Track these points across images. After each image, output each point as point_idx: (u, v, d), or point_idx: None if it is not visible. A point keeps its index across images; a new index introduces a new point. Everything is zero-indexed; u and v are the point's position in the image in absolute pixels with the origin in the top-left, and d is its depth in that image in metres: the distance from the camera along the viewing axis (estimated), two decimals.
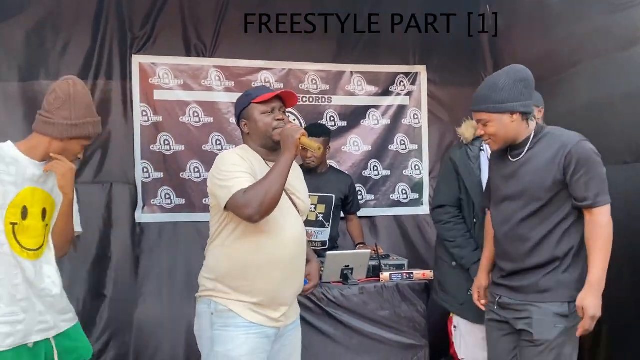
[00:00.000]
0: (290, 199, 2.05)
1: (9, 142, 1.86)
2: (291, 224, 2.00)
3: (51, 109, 1.83)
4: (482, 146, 2.62)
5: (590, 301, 1.89)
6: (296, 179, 2.11)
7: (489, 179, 2.28)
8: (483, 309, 2.31)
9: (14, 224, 1.80)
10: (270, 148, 2.04)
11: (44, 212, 1.89)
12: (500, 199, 2.13)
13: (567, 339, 1.98)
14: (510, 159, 2.10)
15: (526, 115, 2.03)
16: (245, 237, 1.93)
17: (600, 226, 1.92)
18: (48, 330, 1.87)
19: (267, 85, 3.65)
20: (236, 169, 1.91)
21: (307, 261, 2.17)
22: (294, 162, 2.00)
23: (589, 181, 1.92)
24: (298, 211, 2.07)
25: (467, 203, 2.59)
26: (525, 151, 2.05)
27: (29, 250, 1.85)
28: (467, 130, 2.67)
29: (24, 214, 1.83)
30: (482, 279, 2.31)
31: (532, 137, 2.05)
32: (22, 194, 1.82)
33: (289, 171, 1.89)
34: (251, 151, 2.05)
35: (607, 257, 1.92)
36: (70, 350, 1.94)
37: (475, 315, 2.57)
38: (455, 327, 2.78)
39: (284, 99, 2.07)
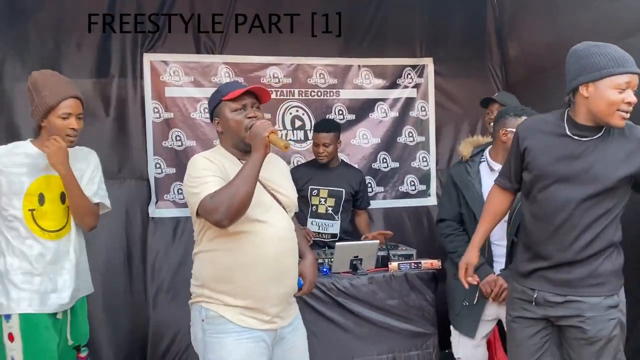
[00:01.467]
0: (273, 195, 1.95)
1: (28, 140, 2.14)
2: (274, 222, 1.89)
3: (30, 104, 2.08)
4: (482, 158, 2.63)
5: None
6: (278, 174, 2.02)
7: (528, 159, 2.04)
8: (466, 286, 2.21)
9: (32, 210, 2.07)
10: (243, 149, 1.92)
11: (62, 195, 2.12)
12: (553, 180, 1.94)
13: (621, 328, 1.90)
14: (574, 137, 1.92)
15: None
16: (226, 240, 1.84)
17: None
18: (63, 305, 2.11)
19: (276, 80, 3.71)
20: (205, 173, 1.81)
21: (301, 258, 2.07)
22: (277, 157, 1.95)
23: None
24: (283, 208, 1.96)
25: (469, 216, 2.58)
26: (600, 134, 1.89)
27: (50, 231, 2.10)
28: (465, 148, 2.72)
29: (41, 200, 2.08)
30: (472, 256, 2.18)
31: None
32: (36, 183, 2.07)
33: (259, 171, 1.79)
34: (224, 151, 1.95)
35: None
36: (77, 330, 2.19)
37: (466, 329, 2.59)
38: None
39: (258, 95, 1.94)
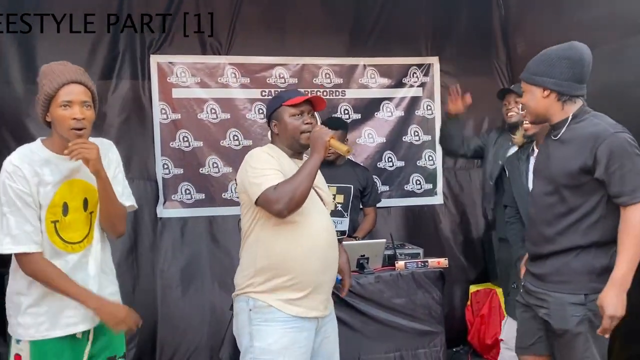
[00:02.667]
0: (317, 192, 2.11)
1: (38, 141, 1.86)
2: (320, 216, 2.08)
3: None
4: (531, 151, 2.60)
5: (610, 300, 1.79)
6: (319, 175, 2.17)
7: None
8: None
9: (55, 222, 1.81)
10: (297, 150, 2.12)
11: (85, 202, 1.88)
12: (535, 180, 2.07)
13: (591, 325, 1.89)
14: (552, 137, 2.01)
15: (563, 97, 1.92)
16: (279, 231, 1.99)
17: (632, 225, 1.80)
18: (75, 325, 1.84)
19: (282, 80, 3.72)
20: (267, 165, 1.98)
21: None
22: None
23: (624, 176, 1.81)
24: (324, 203, 2.14)
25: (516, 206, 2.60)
26: (561, 132, 1.94)
27: (73, 243, 1.86)
28: (519, 133, 2.71)
29: (65, 210, 1.83)
30: (524, 266, 2.23)
31: (570, 119, 1.93)
32: (60, 191, 1.82)
33: (317, 170, 1.97)
34: (279, 150, 2.11)
35: (635, 257, 1.81)
36: (103, 347, 1.92)
37: (511, 311, 2.63)
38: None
39: (313, 103, 2.13)
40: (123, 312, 1.89)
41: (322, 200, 2.13)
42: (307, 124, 2.08)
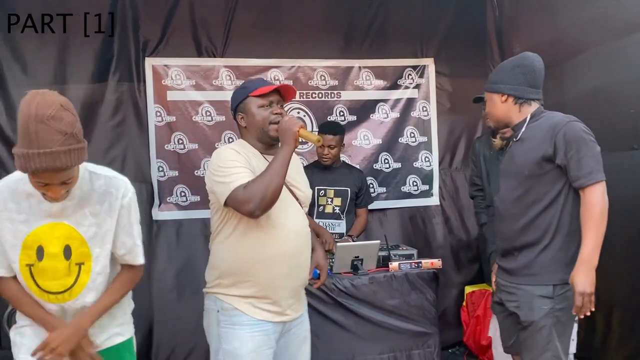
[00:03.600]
0: (290, 191, 2.01)
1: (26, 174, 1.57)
2: (292, 217, 1.97)
3: None
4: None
5: (580, 278, 1.89)
6: (295, 170, 2.06)
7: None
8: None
9: (30, 266, 1.64)
10: (267, 142, 1.99)
11: (66, 249, 1.65)
12: (501, 179, 2.20)
13: (556, 320, 2.00)
14: (513, 139, 2.16)
15: (519, 100, 2.09)
16: (247, 233, 1.91)
17: (592, 204, 1.92)
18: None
19: (277, 82, 3.72)
20: (234, 164, 1.87)
21: (312, 250, 2.13)
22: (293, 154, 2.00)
23: (581, 160, 1.94)
24: (299, 203, 2.04)
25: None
26: (521, 132, 2.10)
27: (51, 293, 1.67)
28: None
29: (40, 254, 1.64)
30: (496, 264, 2.33)
31: (528, 119, 2.10)
32: (35, 233, 1.62)
33: (288, 164, 1.86)
34: (248, 145, 2.00)
35: (598, 235, 1.91)
36: None
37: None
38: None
39: (283, 93, 2.02)
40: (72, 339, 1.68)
41: (296, 199, 2.03)
42: (276, 114, 1.96)
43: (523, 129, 2.10)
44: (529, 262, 2.05)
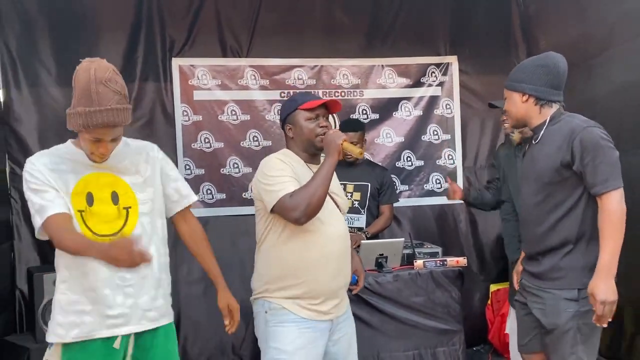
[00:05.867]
0: (332, 198, 2.11)
1: (68, 142, 1.81)
2: (335, 222, 2.08)
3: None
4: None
5: (599, 287, 1.87)
6: (334, 179, 2.16)
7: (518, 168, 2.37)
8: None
9: (81, 211, 1.74)
10: (312, 153, 2.12)
11: (113, 195, 1.78)
12: (522, 183, 2.19)
13: (582, 322, 1.97)
14: (533, 142, 2.13)
15: (540, 101, 2.05)
16: (293, 238, 2.01)
17: (609, 212, 1.90)
18: (119, 327, 1.73)
19: (300, 82, 3.76)
20: (281, 173, 1.99)
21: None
22: None
23: (597, 167, 1.92)
24: (339, 209, 2.15)
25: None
26: (540, 136, 2.07)
27: (103, 236, 1.74)
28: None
29: (90, 200, 1.75)
30: (521, 264, 2.32)
31: (547, 122, 2.06)
32: (84, 180, 1.74)
33: (332, 174, 1.97)
34: (293, 155, 2.11)
35: (617, 243, 1.89)
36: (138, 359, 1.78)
37: (512, 298, 2.71)
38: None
39: (328, 106, 2.12)
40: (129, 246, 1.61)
41: (337, 205, 2.14)
42: (322, 127, 2.07)
43: (542, 132, 2.07)
44: (552, 266, 2.03)
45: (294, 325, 2.01)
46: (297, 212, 1.91)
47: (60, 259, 1.77)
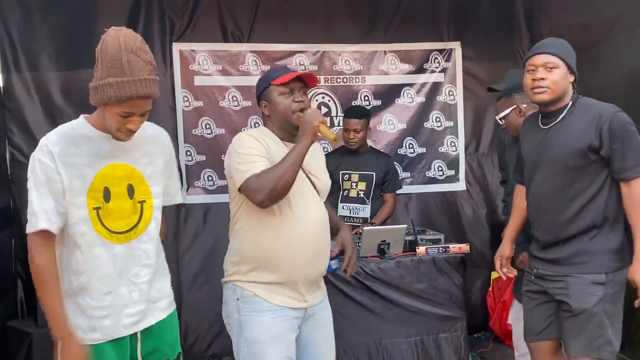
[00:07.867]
0: (309, 179, 2.01)
1: (81, 118, 1.68)
2: (311, 206, 1.97)
3: (94, 71, 1.58)
4: None
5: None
6: (314, 159, 2.06)
7: (521, 152, 2.25)
8: (504, 277, 2.32)
9: (97, 209, 1.64)
10: (289, 131, 1.99)
11: (129, 188, 1.70)
12: (535, 169, 2.12)
13: (609, 305, 1.98)
14: (542, 126, 2.09)
15: (574, 83, 2.04)
16: (264, 220, 1.91)
17: (638, 197, 1.90)
18: (136, 324, 1.72)
19: (302, 67, 3.73)
20: (252, 152, 1.88)
21: (337, 230, 2.13)
22: (314, 143, 1.96)
23: (625, 152, 1.92)
24: (317, 192, 2.03)
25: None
26: (560, 118, 2.03)
27: (119, 233, 1.68)
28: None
29: (107, 196, 1.66)
30: (505, 248, 2.31)
31: (570, 104, 2.03)
32: (100, 175, 1.65)
33: (304, 158, 1.86)
34: (269, 132, 2.01)
35: None
36: (150, 351, 1.76)
37: (518, 295, 2.62)
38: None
39: (305, 80, 2.01)
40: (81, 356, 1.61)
41: (315, 188, 2.02)
42: (297, 101, 1.96)
43: (563, 114, 2.03)
44: (577, 251, 2.02)
45: (267, 314, 1.92)
46: (261, 195, 1.80)
47: (67, 268, 1.67)
